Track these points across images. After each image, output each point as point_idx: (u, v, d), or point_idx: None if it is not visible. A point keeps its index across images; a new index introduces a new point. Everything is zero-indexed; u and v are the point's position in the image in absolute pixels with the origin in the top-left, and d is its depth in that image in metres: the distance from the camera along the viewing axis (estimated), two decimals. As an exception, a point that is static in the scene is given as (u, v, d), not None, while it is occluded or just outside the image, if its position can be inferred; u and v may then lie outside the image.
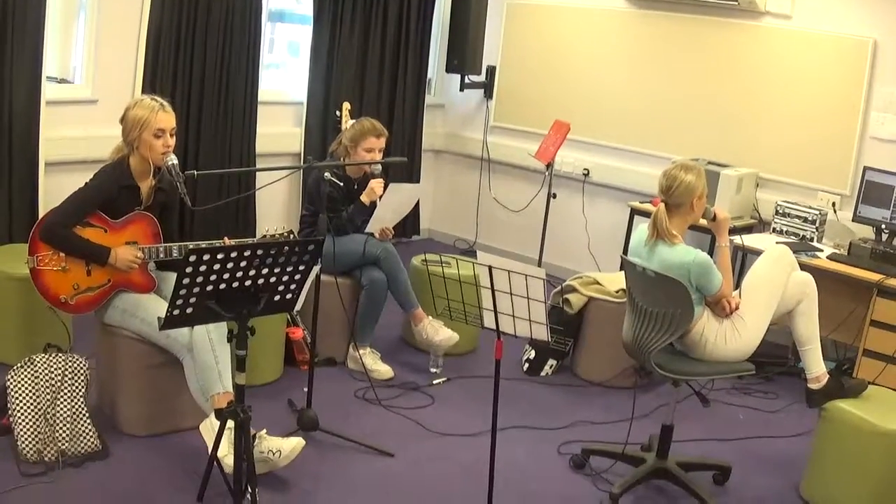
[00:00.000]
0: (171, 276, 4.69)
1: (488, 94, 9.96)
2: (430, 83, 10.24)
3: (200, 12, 7.54)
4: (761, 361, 6.22)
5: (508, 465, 5.29)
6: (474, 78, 9.78)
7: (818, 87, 7.73)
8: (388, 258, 6.58)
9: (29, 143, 6.75)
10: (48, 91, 6.83)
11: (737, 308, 5.14)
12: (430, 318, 6.64)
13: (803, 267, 5.65)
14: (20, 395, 4.83)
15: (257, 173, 8.28)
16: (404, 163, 7.13)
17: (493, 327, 4.49)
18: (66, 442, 4.86)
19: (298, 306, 4.42)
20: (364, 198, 6.50)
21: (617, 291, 6.68)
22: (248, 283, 3.88)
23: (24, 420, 4.79)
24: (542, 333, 4.39)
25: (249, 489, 4.23)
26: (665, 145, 8.56)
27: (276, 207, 8.86)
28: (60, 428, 4.86)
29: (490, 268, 4.34)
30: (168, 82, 7.44)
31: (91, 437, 4.94)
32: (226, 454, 4.51)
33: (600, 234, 9.14)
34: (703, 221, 5.35)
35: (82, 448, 4.90)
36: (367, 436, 5.55)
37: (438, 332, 6.62)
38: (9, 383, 4.85)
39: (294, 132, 8.86)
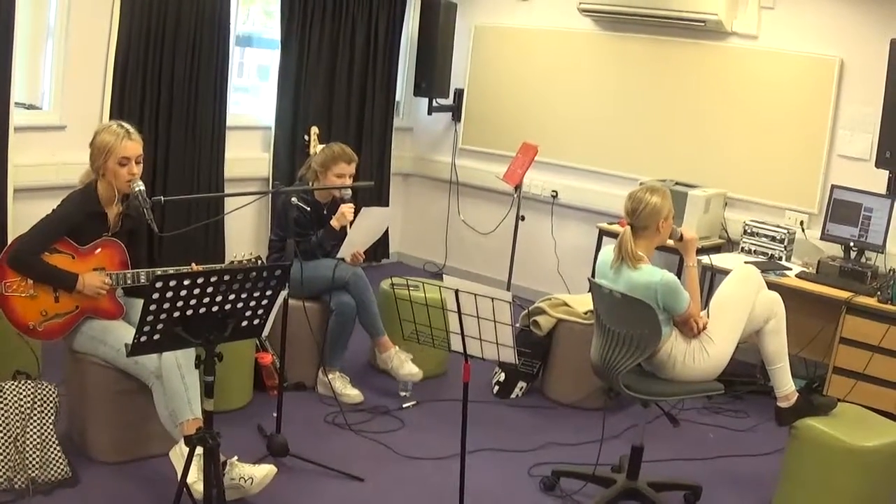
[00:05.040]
0: (139, 303, 4.64)
1: (456, 117, 9.99)
2: (399, 107, 10.25)
3: (168, 37, 7.53)
4: (731, 380, 6.25)
5: (479, 488, 5.28)
6: (442, 101, 9.82)
7: (785, 106, 7.80)
8: (358, 282, 6.58)
9: (-3, 170, 6.72)
10: (16, 117, 6.79)
11: (705, 328, 5.15)
12: (398, 348, 6.64)
13: (772, 286, 5.68)
14: (-11, 422, 4.81)
15: (226, 198, 8.26)
16: (371, 187, 7.12)
17: (461, 351, 4.50)
18: (37, 469, 4.83)
19: (265, 332, 4.42)
20: (335, 222, 6.50)
21: (586, 313, 6.69)
22: (215, 308, 3.87)
23: (-8, 448, 4.78)
24: (509, 356, 4.40)
25: (219, 515, 4.22)
26: (633, 166, 8.60)
27: (245, 232, 8.83)
28: (30, 455, 4.83)
29: (456, 291, 4.35)
30: (136, 107, 7.42)
31: (61, 464, 4.92)
32: (195, 481, 4.49)
33: (569, 255, 9.16)
34: (670, 242, 5.37)
35: (52, 475, 4.87)
36: (338, 460, 5.52)
37: (403, 366, 6.62)
38: (-23, 411, 4.82)
39: (262, 157, 8.84)
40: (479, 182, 9.81)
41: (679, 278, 5.14)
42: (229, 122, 8.31)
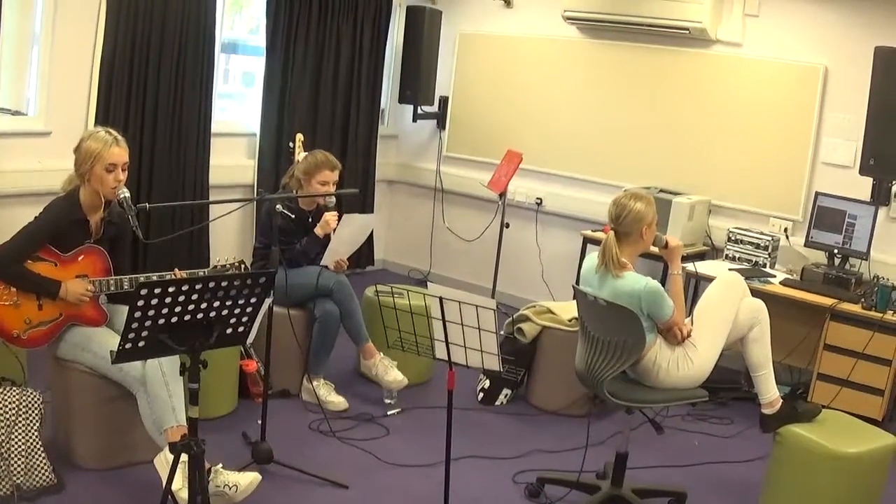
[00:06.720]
0: (123, 310, 4.65)
1: (441, 124, 10.00)
2: (384, 114, 10.24)
3: (153, 44, 7.52)
4: (715, 387, 6.24)
5: (464, 496, 5.28)
6: (427, 108, 9.81)
7: (770, 114, 7.81)
8: (342, 290, 6.56)
9: (-19, 176, 6.71)
10: (1, 123, 6.80)
11: (689, 335, 5.15)
12: (382, 355, 6.64)
13: (756, 293, 5.69)
14: (-27, 430, 4.80)
15: (210, 205, 8.24)
16: (356, 194, 7.11)
17: (445, 358, 4.50)
18: (21, 476, 4.81)
19: (250, 339, 4.41)
20: (318, 231, 6.49)
21: (570, 320, 6.69)
22: (199, 315, 3.86)
23: (-24, 456, 4.76)
24: (493, 364, 4.40)
25: (203, 523, 4.21)
26: (617, 174, 8.61)
27: (229, 240, 8.81)
28: (15, 462, 4.81)
29: (441, 299, 4.35)
30: (121, 114, 7.40)
31: (46, 471, 4.90)
32: (180, 488, 4.48)
33: (554, 262, 9.16)
34: (655, 249, 5.38)
35: (37, 482, 4.86)
36: (322, 468, 5.52)
37: (388, 373, 6.60)
38: (-39, 419, 4.81)
39: (247, 164, 8.83)
40: (463, 189, 9.82)
41: (663, 286, 5.14)
42: (214, 128, 8.29)
